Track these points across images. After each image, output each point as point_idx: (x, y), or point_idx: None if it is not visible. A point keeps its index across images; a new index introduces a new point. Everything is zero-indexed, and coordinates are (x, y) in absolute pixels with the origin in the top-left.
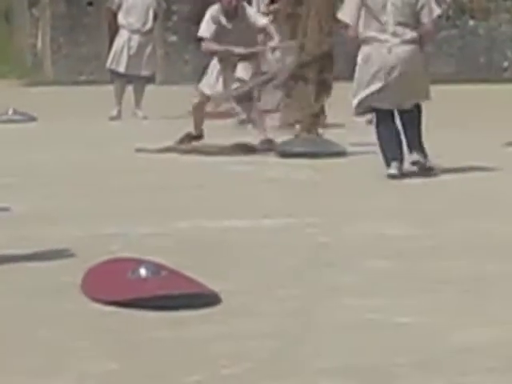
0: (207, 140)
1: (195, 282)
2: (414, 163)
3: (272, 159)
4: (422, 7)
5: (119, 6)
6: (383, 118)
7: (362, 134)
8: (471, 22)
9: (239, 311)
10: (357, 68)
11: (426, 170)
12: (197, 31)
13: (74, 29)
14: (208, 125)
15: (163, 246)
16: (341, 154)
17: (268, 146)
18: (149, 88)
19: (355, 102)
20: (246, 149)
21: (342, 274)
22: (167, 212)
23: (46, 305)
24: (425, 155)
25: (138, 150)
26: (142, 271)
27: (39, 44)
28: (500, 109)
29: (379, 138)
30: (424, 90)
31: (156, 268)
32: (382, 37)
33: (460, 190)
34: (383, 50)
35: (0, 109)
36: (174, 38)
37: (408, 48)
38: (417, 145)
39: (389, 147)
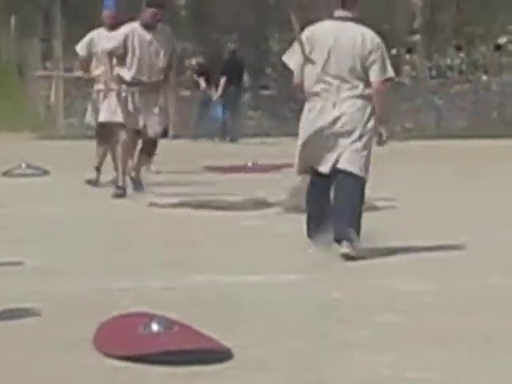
0: (219, 194)
1: (207, 337)
2: (342, 255)
3: (283, 214)
4: (373, 63)
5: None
6: (316, 182)
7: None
8: (484, 77)
9: (251, 366)
10: (301, 123)
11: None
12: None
13: (86, 82)
14: (218, 179)
15: (175, 300)
16: None
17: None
18: (162, 142)
19: (296, 160)
20: (258, 203)
21: (354, 329)
22: (179, 266)
23: (58, 360)
24: (354, 240)
25: (151, 204)
26: (154, 326)
27: (52, 97)
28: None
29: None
30: (360, 162)
31: (168, 323)
32: (326, 91)
33: (469, 246)
34: (328, 104)
35: (13, 162)
36: (186, 93)
37: (354, 104)
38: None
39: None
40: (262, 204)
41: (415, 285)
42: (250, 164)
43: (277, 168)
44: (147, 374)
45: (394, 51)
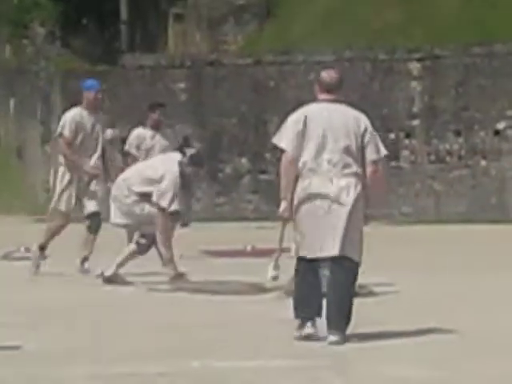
0: (217, 278)
1: None
2: (330, 343)
3: (283, 298)
4: (368, 143)
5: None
6: (305, 269)
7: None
8: (483, 162)
9: None
10: (296, 199)
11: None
12: (208, 169)
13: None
14: (217, 263)
15: None
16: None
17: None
18: None
19: (296, 240)
20: (256, 288)
21: None
22: (179, 351)
23: None
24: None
25: (150, 290)
26: None
27: (51, 181)
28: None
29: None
30: (355, 247)
31: None
32: (323, 168)
33: (467, 331)
34: (326, 181)
35: (12, 246)
36: None
37: (350, 182)
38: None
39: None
40: (260, 289)
41: (420, 371)
42: (248, 248)
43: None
44: None
45: (392, 135)
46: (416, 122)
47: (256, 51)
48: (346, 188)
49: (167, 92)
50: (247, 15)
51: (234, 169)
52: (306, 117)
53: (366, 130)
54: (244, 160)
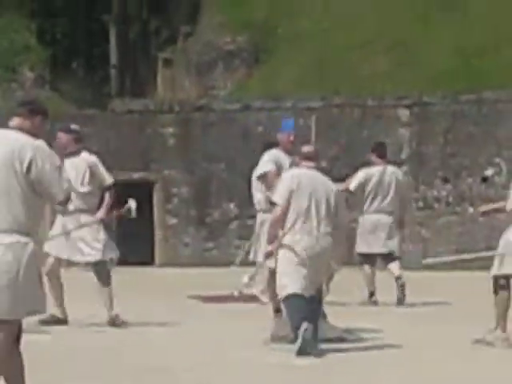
0: (204, 323)
1: None
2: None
3: (272, 344)
4: (338, 205)
5: None
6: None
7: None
8: (471, 209)
9: None
10: (286, 252)
11: None
12: (196, 214)
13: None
14: (203, 308)
15: None
16: (341, 339)
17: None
18: (148, 270)
19: (279, 283)
20: (244, 333)
21: None
22: None
23: None
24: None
25: (136, 332)
26: None
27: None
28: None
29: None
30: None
31: None
32: (310, 227)
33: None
34: (312, 239)
35: None
36: (174, 221)
37: (329, 240)
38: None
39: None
40: (248, 334)
41: None
42: (235, 293)
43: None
44: None
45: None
46: (404, 169)
47: (245, 97)
48: (328, 244)
49: (156, 137)
50: (236, 61)
51: (222, 214)
52: (299, 179)
53: (335, 194)
54: (232, 205)
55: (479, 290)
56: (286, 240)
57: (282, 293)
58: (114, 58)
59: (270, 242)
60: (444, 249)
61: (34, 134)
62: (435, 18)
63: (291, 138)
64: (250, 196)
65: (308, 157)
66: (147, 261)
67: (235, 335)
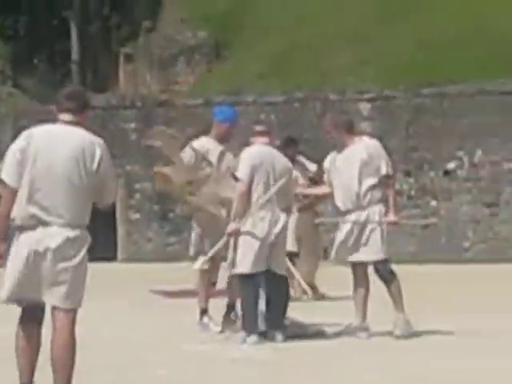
0: (166, 318)
1: None
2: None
3: (231, 338)
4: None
5: None
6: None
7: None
8: (433, 203)
9: None
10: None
11: None
12: (159, 209)
13: None
14: (165, 303)
15: None
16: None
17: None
18: (111, 265)
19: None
20: (207, 327)
21: None
22: None
23: None
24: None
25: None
26: None
27: None
28: (456, 290)
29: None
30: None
31: None
32: (272, 204)
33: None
34: (275, 215)
35: None
36: (136, 216)
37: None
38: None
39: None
40: (210, 328)
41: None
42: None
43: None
44: None
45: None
46: None
47: (206, 92)
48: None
49: (118, 132)
50: (197, 56)
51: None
52: (260, 158)
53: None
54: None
55: (441, 281)
56: (250, 216)
57: (239, 269)
58: (75, 54)
59: (236, 218)
60: (406, 242)
61: (86, 129)
62: (397, 13)
63: (229, 127)
64: None
65: (262, 133)
66: (110, 256)
67: (195, 329)
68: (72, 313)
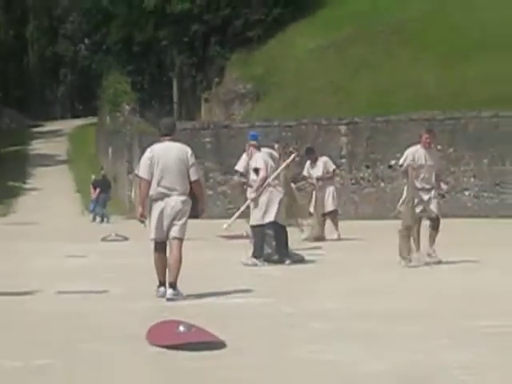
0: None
1: (211, 334)
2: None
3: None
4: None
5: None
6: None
7: None
8: (382, 184)
9: (238, 352)
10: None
11: None
12: (222, 191)
13: None
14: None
15: (195, 313)
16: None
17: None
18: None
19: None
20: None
21: (299, 331)
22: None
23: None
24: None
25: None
26: (181, 328)
27: (132, 195)
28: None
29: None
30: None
31: (189, 326)
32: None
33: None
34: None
35: (107, 233)
36: (210, 192)
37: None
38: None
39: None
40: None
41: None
42: (244, 234)
43: None
44: (176, 355)
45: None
46: (343, 160)
47: (251, 120)
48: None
49: (199, 143)
50: (246, 99)
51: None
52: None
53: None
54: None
55: (387, 233)
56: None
57: (258, 222)
58: (175, 98)
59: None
60: (367, 207)
61: (180, 142)
62: (362, 72)
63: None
64: None
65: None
66: (195, 215)
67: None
68: (181, 240)
